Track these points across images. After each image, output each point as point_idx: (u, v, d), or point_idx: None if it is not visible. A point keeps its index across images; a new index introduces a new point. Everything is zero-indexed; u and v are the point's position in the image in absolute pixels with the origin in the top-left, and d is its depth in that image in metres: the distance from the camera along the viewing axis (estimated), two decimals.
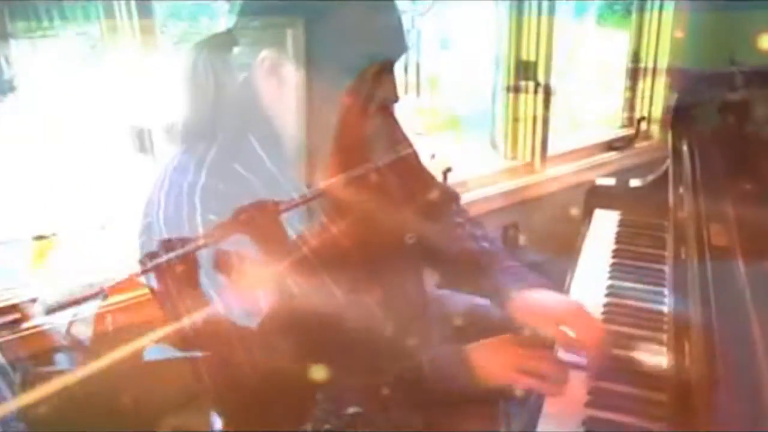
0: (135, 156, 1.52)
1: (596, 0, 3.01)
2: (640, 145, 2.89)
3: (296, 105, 1.06)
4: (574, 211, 1.80)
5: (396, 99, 1.09)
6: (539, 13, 2.34)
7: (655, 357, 1.11)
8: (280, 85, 1.05)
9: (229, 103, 1.08)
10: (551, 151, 2.56)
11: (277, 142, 1.08)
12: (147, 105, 1.51)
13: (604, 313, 1.26)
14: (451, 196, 1.46)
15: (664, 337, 1.15)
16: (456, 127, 2.69)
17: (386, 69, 1.06)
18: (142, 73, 1.53)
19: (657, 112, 2.91)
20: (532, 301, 1.18)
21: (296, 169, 1.09)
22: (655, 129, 2.93)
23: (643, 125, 2.92)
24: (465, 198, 2.27)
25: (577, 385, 1.08)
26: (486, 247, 1.32)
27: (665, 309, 1.23)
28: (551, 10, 2.36)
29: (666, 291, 1.28)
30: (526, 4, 2.35)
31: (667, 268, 1.35)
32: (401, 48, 1.10)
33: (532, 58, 2.40)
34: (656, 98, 2.89)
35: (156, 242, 0.96)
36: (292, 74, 1.04)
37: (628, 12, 2.90)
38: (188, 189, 1.01)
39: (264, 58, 1.04)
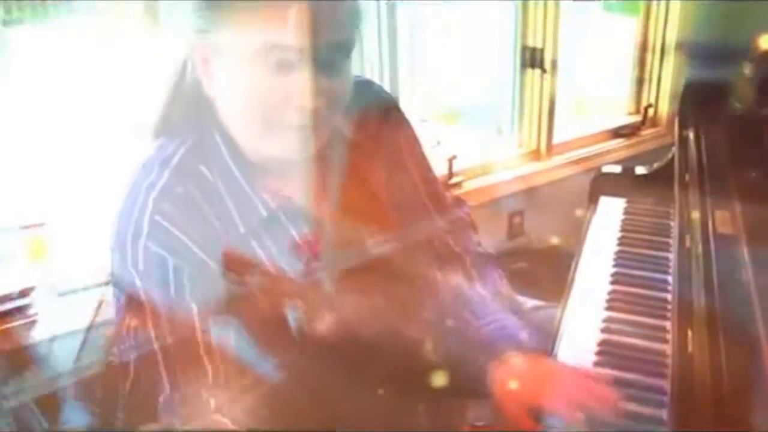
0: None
1: None
2: (647, 132, 2.88)
3: (228, 101, 1.02)
4: (580, 199, 1.80)
5: (305, 107, 0.96)
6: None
7: (659, 344, 1.10)
8: (210, 78, 1.01)
9: (189, 99, 1.05)
10: (557, 138, 2.56)
11: (234, 142, 1.04)
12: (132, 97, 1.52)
13: (608, 300, 1.26)
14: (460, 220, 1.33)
15: (668, 324, 1.14)
16: (461, 114, 2.68)
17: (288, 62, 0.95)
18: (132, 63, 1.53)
19: (664, 98, 2.89)
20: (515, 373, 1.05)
21: (254, 172, 1.05)
22: (662, 116, 2.91)
23: (651, 112, 2.90)
24: (470, 185, 2.28)
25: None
26: (478, 297, 1.20)
27: (669, 297, 1.22)
28: None
29: (670, 279, 1.27)
30: None
31: (671, 256, 1.34)
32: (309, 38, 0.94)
33: (539, 44, 2.39)
34: (664, 85, 2.88)
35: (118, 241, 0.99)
36: (218, 66, 0.99)
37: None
38: (147, 187, 1.00)
39: (194, 48, 1.01)
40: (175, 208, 0.99)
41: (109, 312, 1.26)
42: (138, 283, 0.99)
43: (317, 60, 0.94)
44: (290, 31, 0.92)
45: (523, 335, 1.15)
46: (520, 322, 1.19)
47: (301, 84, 0.94)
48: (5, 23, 1.59)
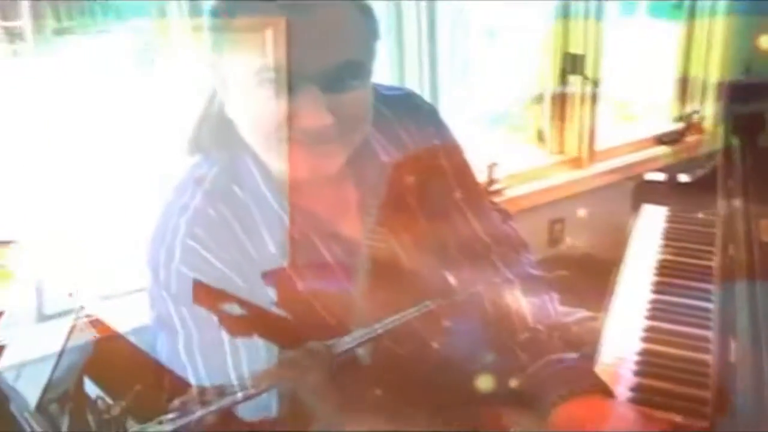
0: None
1: None
2: (691, 138, 2.83)
3: (242, 123, 1.01)
4: (622, 206, 1.78)
5: (309, 127, 0.94)
6: (587, 5, 2.32)
7: (701, 354, 1.09)
8: (228, 100, 1.01)
9: (217, 120, 1.05)
10: (599, 145, 2.53)
11: (262, 162, 1.04)
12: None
13: (650, 309, 1.25)
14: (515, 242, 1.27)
15: (710, 334, 1.13)
16: (502, 121, 2.68)
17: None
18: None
19: (709, 104, 2.84)
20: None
21: (284, 191, 1.03)
22: (707, 122, 2.87)
23: (695, 118, 2.86)
24: (510, 192, 2.27)
25: (620, 379, 1.07)
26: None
27: (712, 306, 1.21)
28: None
29: (713, 288, 1.26)
30: None
31: (714, 265, 1.33)
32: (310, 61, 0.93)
33: (580, 51, 2.38)
34: (708, 91, 2.83)
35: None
36: (230, 88, 0.99)
37: (680, 4, 2.84)
38: (180, 209, 1.01)
39: (213, 70, 1.00)
40: (207, 231, 1.00)
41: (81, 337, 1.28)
42: (170, 305, 1.00)
43: (318, 78, 0.92)
44: (278, 52, 0.91)
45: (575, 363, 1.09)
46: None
47: (301, 103, 0.93)
48: (57, 32, 1.63)
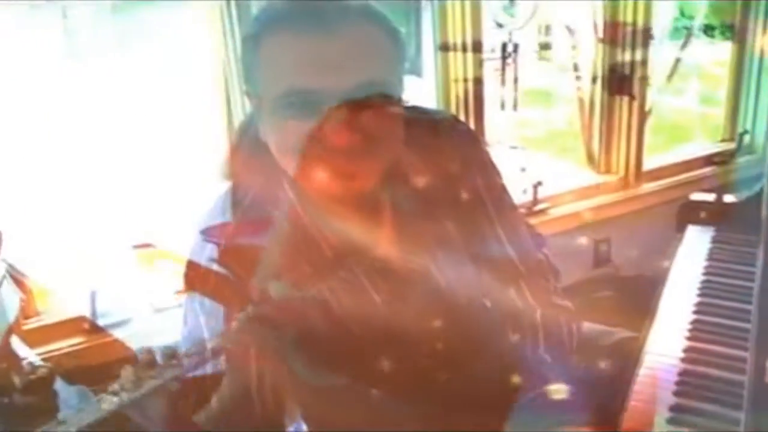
0: None
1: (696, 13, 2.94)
2: (742, 159, 2.80)
3: (273, 146, 1.03)
4: (668, 227, 1.78)
5: (337, 145, 0.96)
6: (634, 25, 2.32)
7: (739, 376, 1.09)
8: (262, 123, 1.04)
9: (254, 143, 1.07)
10: (647, 165, 2.52)
11: (296, 185, 1.05)
12: None
13: (690, 330, 1.25)
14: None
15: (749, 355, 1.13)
16: (550, 141, 2.69)
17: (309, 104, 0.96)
18: None
19: (761, 124, 2.81)
20: None
21: (319, 214, 1.05)
22: (758, 142, 2.83)
23: (746, 139, 2.82)
24: (556, 212, 2.28)
25: (659, 399, 1.08)
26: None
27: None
28: (647, 21, 2.33)
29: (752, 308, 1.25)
30: (621, 14, 2.34)
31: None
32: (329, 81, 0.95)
33: (627, 70, 2.38)
34: (760, 111, 2.80)
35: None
36: (262, 112, 1.02)
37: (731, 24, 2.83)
38: (214, 232, 1.06)
39: (248, 94, 1.05)
40: (239, 256, 1.03)
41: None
42: (202, 318, 1.06)
43: (343, 97, 0.94)
44: (306, 74, 0.94)
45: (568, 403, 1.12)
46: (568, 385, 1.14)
47: (328, 122, 0.95)
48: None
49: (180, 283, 1.06)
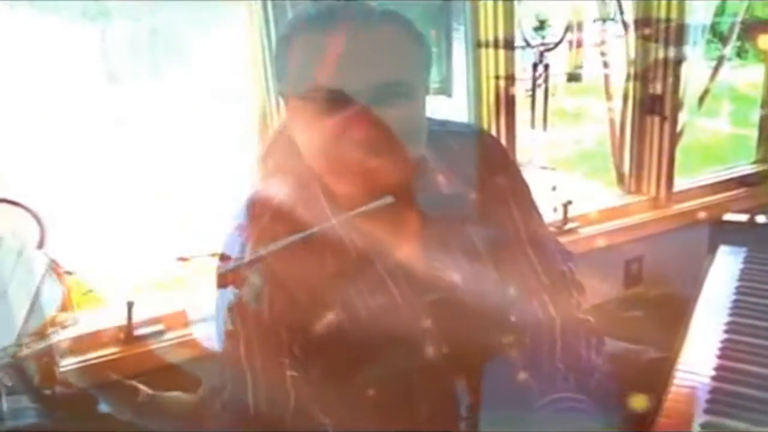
0: None
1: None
2: None
3: (301, 143, 1.08)
4: (699, 247, 1.78)
5: (359, 138, 1.01)
6: (666, 45, 2.33)
7: None
8: (291, 120, 1.09)
9: (286, 141, 1.12)
10: (678, 186, 2.52)
11: (324, 183, 1.09)
12: None
13: (721, 349, 1.25)
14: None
15: None
16: (581, 161, 2.70)
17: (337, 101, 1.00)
18: None
19: None
20: None
21: (345, 213, 1.08)
22: None
23: None
24: (587, 231, 2.29)
25: (690, 417, 1.09)
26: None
27: None
28: (678, 42, 2.34)
29: None
30: (653, 33, 2.34)
31: None
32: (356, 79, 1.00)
33: (658, 90, 2.38)
34: None
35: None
36: (289, 109, 1.08)
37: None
38: (244, 231, 1.10)
39: (279, 92, 1.12)
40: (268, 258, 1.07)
41: None
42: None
43: (366, 94, 0.99)
44: (331, 73, 0.99)
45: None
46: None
47: (351, 117, 0.99)
48: None
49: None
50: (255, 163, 1.19)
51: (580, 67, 2.63)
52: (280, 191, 1.12)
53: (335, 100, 0.99)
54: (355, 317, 1.08)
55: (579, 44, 2.57)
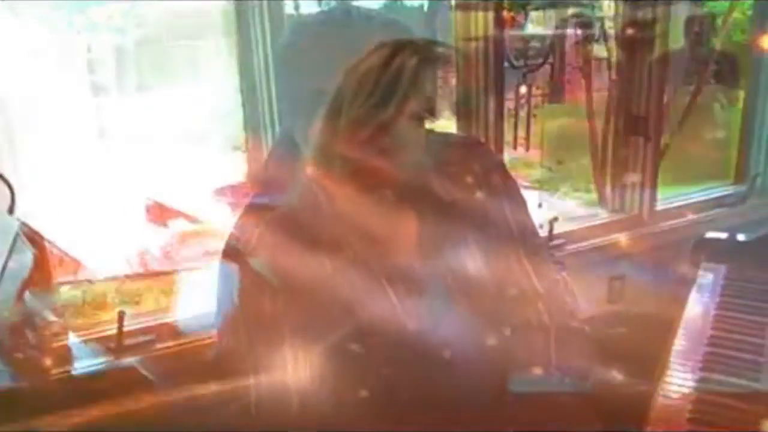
0: None
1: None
2: (754, 202, 2.81)
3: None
4: (681, 264, 1.80)
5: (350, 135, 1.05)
6: (649, 67, 2.36)
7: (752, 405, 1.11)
8: (293, 122, 1.14)
9: (290, 148, 1.15)
10: (661, 206, 2.55)
11: (325, 187, 1.12)
12: None
13: (703, 361, 1.27)
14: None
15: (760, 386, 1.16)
16: (564, 179, 2.72)
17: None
18: None
19: None
20: None
21: (344, 218, 1.11)
22: None
23: (758, 181, 2.84)
24: (570, 248, 2.30)
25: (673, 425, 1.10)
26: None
27: (763, 360, 1.24)
28: (662, 64, 2.37)
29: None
30: (635, 55, 2.38)
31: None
32: None
33: (642, 112, 2.41)
34: None
35: None
36: (290, 112, 1.15)
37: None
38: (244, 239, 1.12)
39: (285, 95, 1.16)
40: (268, 257, 1.09)
41: None
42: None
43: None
44: (332, 77, 1.02)
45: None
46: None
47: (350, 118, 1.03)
48: None
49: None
50: (257, 165, 1.20)
51: (563, 88, 2.64)
52: (282, 194, 1.14)
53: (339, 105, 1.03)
54: (353, 318, 1.09)
55: (562, 65, 2.58)
